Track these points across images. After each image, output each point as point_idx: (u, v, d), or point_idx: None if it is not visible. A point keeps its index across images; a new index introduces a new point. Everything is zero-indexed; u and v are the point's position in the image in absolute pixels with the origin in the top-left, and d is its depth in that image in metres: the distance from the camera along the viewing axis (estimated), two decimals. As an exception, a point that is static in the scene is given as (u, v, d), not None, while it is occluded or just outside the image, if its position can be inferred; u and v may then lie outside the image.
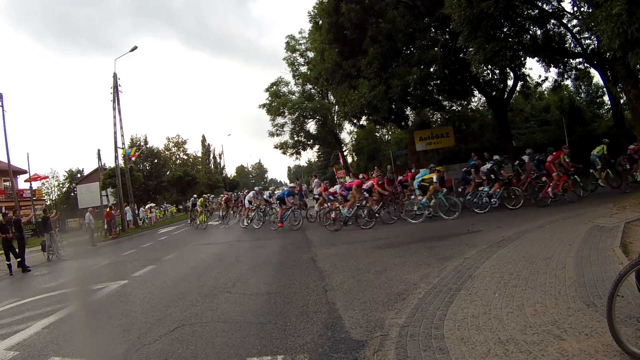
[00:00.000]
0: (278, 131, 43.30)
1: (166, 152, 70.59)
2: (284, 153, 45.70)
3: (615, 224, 9.13)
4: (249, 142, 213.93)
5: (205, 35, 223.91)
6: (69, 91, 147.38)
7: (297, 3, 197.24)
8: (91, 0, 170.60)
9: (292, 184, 22.69)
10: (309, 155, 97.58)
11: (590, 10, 12.67)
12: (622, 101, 20.21)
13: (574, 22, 19.36)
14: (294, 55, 43.70)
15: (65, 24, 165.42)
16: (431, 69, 22.48)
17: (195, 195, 36.02)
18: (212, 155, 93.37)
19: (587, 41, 20.06)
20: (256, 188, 23.20)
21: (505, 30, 17.13)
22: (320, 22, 26.57)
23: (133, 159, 43.70)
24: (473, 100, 30.68)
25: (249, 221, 21.40)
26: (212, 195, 32.42)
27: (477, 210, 15.68)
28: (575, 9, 17.33)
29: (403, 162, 32.42)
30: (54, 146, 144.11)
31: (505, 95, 24.19)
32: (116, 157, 35.24)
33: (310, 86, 43.56)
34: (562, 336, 4.03)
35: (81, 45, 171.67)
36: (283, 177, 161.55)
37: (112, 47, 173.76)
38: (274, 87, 43.72)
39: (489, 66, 19.57)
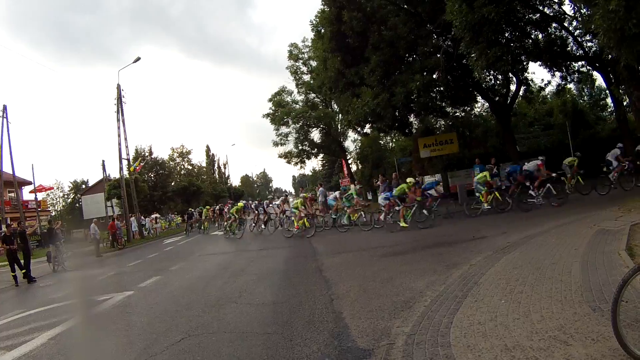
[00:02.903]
0: (282, 140, 43.15)
1: (171, 163, 70.75)
2: (289, 162, 45.61)
3: (620, 227, 9.09)
4: (253, 152, 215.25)
5: (206, 43, 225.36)
6: (71, 101, 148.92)
7: (298, 10, 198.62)
8: (90, 8, 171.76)
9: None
10: (314, 164, 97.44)
11: (589, 12, 12.68)
12: (625, 103, 20.21)
13: (574, 24, 19.39)
14: (297, 64, 43.65)
15: (64, 32, 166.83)
16: (434, 76, 22.51)
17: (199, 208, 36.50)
18: (216, 165, 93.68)
19: (589, 44, 20.07)
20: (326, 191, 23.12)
21: (506, 35, 17.18)
22: (323, 30, 26.76)
23: (138, 170, 43.82)
24: (476, 106, 30.61)
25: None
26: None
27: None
28: (576, 9, 17.33)
29: (408, 169, 32.36)
30: (59, 157, 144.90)
31: (509, 100, 24.16)
32: (121, 168, 35.38)
33: (313, 95, 43.58)
34: (568, 342, 4.02)
35: (82, 53, 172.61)
36: (288, 186, 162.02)
37: (113, 56, 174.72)
38: (277, 96, 43.66)
39: (492, 71, 19.59)
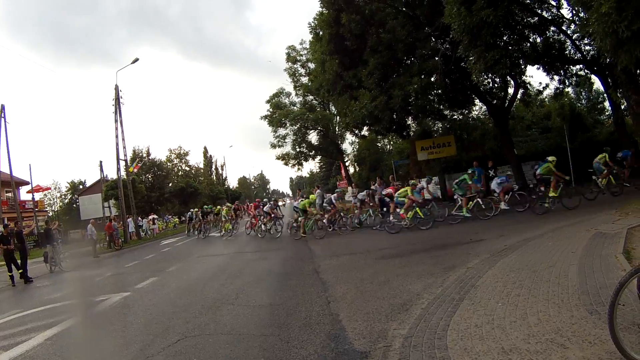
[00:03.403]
0: (280, 142, 43.23)
1: (168, 164, 70.66)
2: (286, 164, 45.62)
3: (617, 230, 9.10)
4: (251, 153, 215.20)
5: (204, 45, 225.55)
6: (69, 102, 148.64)
7: (296, 12, 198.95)
8: (87, 9, 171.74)
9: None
10: (311, 166, 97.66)
11: (587, 15, 12.71)
12: (622, 107, 20.23)
13: (572, 27, 19.43)
14: (295, 66, 43.72)
15: (62, 34, 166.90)
16: (432, 79, 22.53)
17: (195, 209, 35.35)
18: (214, 167, 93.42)
19: (587, 47, 20.10)
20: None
21: (505, 38, 17.19)
22: (321, 33, 26.73)
23: (136, 170, 43.74)
24: (474, 109, 30.68)
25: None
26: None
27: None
28: (573, 13, 17.36)
29: (405, 171, 32.38)
30: (57, 157, 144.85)
31: (506, 104, 24.18)
32: (118, 169, 35.33)
33: (311, 97, 43.62)
34: (565, 345, 4.02)
35: (79, 55, 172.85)
36: (285, 188, 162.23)
37: (111, 57, 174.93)
38: (275, 98, 43.74)
39: (490, 75, 19.61)
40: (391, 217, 16.74)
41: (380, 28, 22.72)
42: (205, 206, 36.70)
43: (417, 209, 16.14)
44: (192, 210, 35.72)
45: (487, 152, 26.73)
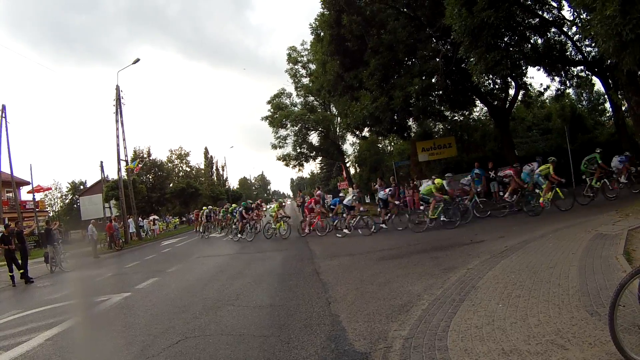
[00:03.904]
0: (280, 143, 42.95)
1: (169, 164, 70.52)
2: (287, 165, 45.29)
3: (618, 231, 9.08)
4: (252, 154, 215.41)
5: (204, 45, 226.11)
6: (70, 101, 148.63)
7: (296, 12, 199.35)
8: (87, 8, 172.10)
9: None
10: (312, 166, 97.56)
11: (589, 17, 12.71)
12: (623, 108, 20.23)
13: (574, 29, 19.43)
14: (295, 66, 43.56)
15: (61, 32, 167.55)
16: (433, 80, 22.50)
17: (210, 207, 34.72)
18: (214, 167, 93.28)
19: (588, 49, 20.10)
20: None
21: (506, 39, 17.18)
22: (322, 34, 26.71)
23: (136, 171, 43.70)
24: (475, 110, 30.66)
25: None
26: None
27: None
28: (575, 14, 17.37)
29: (406, 173, 32.33)
30: (57, 158, 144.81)
31: (507, 105, 24.17)
32: (119, 169, 35.31)
33: (312, 98, 43.45)
34: (565, 346, 4.02)
35: (79, 53, 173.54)
36: (286, 189, 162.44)
37: (110, 56, 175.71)
38: (276, 99, 43.57)
39: (490, 76, 19.60)
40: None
41: (381, 29, 22.73)
42: (249, 201, 30.41)
43: (557, 188, 15.17)
44: (208, 207, 34.29)
45: (488, 153, 26.68)
